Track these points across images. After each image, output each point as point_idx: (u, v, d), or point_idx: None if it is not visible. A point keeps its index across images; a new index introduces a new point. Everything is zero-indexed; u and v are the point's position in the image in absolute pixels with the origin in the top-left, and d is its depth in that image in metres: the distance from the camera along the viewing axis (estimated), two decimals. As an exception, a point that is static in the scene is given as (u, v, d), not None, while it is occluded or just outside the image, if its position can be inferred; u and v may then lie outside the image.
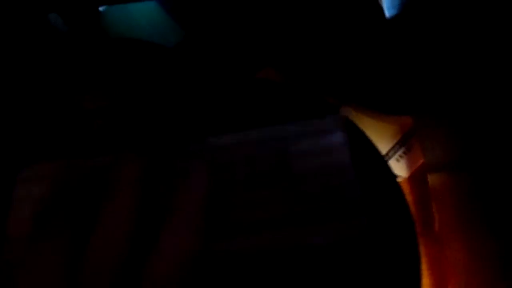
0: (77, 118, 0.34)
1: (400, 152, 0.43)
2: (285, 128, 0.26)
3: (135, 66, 0.37)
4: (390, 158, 0.43)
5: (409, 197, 0.42)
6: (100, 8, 0.44)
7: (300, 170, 0.25)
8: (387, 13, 0.40)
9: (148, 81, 0.35)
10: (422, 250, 0.40)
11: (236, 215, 0.24)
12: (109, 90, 0.36)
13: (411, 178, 0.42)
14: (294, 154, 0.25)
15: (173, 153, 0.26)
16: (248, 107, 0.32)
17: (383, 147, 0.43)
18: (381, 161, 0.30)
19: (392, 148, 0.43)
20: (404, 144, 0.43)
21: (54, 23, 0.42)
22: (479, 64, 0.32)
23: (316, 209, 0.24)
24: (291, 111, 0.30)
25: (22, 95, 0.35)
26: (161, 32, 0.45)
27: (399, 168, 0.43)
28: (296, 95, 0.32)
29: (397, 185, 0.29)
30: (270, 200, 0.24)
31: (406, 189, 0.42)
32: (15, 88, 0.36)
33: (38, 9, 0.41)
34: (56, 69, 0.39)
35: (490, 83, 0.31)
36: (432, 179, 0.40)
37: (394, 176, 0.29)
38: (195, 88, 0.33)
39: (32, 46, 0.40)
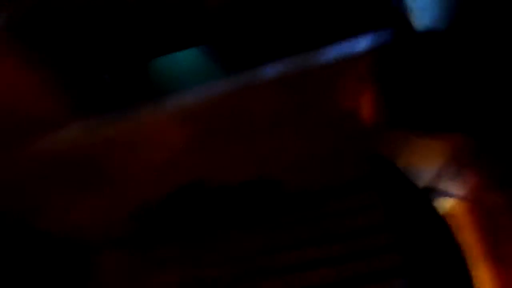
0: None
1: (454, 171, 0.41)
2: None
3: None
4: (443, 177, 0.41)
5: (467, 218, 0.39)
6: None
7: (339, 231, 0.26)
8: (420, 27, 0.39)
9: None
10: (488, 273, 0.37)
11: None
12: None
13: (469, 197, 0.40)
14: (333, 213, 0.27)
15: None
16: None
17: (435, 166, 0.41)
18: (423, 199, 0.29)
19: (445, 166, 0.41)
20: (457, 162, 0.41)
21: (107, 79, 0.47)
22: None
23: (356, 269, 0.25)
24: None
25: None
26: (203, 74, 0.47)
27: (454, 187, 0.40)
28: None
29: (442, 222, 0.28)
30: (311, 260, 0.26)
31: (463, 209, 0.40)
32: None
33: (94, 71, 0.46)
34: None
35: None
36: (490, 198, 0.37)
37: (439, 216, 0.28)
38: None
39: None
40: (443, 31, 0.40)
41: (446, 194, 0.40)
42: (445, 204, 0.39)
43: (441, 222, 0.28)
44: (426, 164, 0.41)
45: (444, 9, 0.39)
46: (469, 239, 0.38)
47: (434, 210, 0.28)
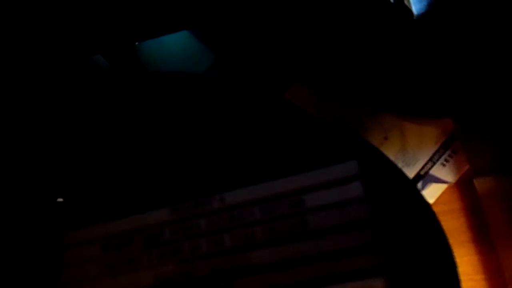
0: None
1: (445, 156, 0.41)
2: (300, 179, 0.27)
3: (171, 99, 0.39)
4: (435, 163, 0.41)
5: (458, 203, 0.40)
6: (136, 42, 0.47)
7: (317, 226, 0.25)
8: (415, 11, 0.38)
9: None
10: (477, 258, 0.38)
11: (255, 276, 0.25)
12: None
13: (460, 183, 0.40)
14: (310, 209, 0.26)
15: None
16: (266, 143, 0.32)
17: (427, 152, 0.41)
18: (410, 189, 0.29)
19: (436, 152, 0.41)
20: (448, 147, 0.41)
21: (97, 61, 0.45)
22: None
23: (334, 268, 0.24)
24: (310, 146, 0.30)
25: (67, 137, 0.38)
26: (193, 58, 0.46)
27: (445, 173, 0.40)
28: (315, 128, 0.32)
29: (431, 215, 0.27)
30: (288, 258, 0.25)
31: (454, 194, 0.40)
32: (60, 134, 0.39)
33: (82, 52, 0.45)
34: (101, 107, 0.41)
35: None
36: (479, 183, 0.37)
37: (427, 204, 0.28)
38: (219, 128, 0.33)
39: (76, 85, 0.43)
40: (435, 15, 0.39)
41: (437, 180, 0.40)
42: (436, 190, 0.40)
43: (426, 211, 0.28)
44: (418, 150, 0.41)
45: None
46: (458, 224, 0.39)
47: (420, 199, 0.28)
